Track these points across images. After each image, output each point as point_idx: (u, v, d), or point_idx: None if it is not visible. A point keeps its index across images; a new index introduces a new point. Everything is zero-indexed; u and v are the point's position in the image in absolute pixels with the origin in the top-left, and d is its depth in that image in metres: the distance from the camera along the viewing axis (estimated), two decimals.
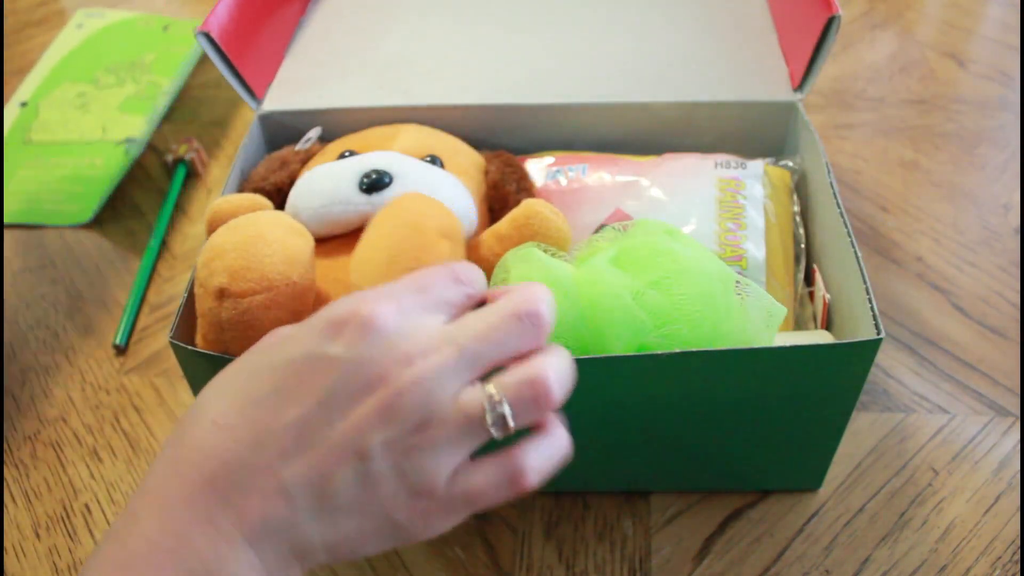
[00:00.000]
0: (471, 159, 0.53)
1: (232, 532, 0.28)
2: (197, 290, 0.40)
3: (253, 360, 0.30)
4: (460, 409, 0.28)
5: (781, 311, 0.40)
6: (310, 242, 0.40)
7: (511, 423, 0.28)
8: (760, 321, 0.39)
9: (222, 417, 0.29)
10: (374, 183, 0.44)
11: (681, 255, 0.39)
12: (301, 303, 0.39)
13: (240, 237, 0.38)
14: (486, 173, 0.52)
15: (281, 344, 0.30)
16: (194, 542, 0.27)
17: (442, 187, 0.46)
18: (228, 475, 0.28)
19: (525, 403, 0.29)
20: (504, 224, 0.44)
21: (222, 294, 0.38)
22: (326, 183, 0.45)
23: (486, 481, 0.29)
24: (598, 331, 0.38)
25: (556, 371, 0.29)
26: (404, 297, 0.29)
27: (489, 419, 0.28)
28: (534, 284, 0.31)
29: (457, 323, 0.30)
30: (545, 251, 0.41)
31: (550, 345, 0.31)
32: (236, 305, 0.38)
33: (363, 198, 0.44)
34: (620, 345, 0.38)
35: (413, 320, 0.29)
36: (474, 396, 0.28)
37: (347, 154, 0.50)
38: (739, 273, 0.48)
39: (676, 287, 0.38)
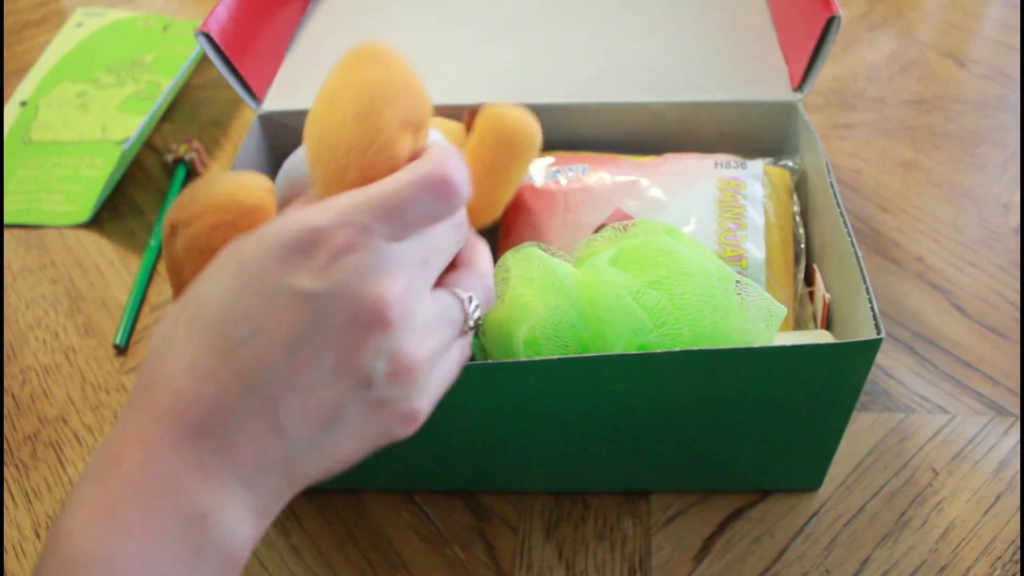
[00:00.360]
0: (450, 125, 0.54)
1: (225, 474, 0.27)
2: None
3: (216, 290, 0.29)
4: (442, 316, 0.31)
5: (781, 311, 0.40)
6: (266, 180, 0.39)
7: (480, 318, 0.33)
8: (760, 321, 0.39)
9: (200, 360, 0.28)
10: None
11: (681, 254, 0.39)
12: (252, 223, 0.37)
13: (191, 185, 0.39)
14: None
15: (241, 270, 0.28)
16: (184, 485, 0.27)
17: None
18: (217, 420, 0.27)
19: (487, 298, 0.34)
20: (472, 143, 0.44)
21: (173, 230, 0.37)
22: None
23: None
24: (598, 331, 0.38)
25: (484, 257, 0.35)
26: (365, 215, 0.29)
27: (471, 322, 0.33)
28: (441, 164, 0.31)
29: (421, 242, 0.30)
30: (545, 251, 0.41)
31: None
32: (185, 234, 0.37)
33: None
34: (620, 345, 0.38)
35: (375, 241, 0.29)
36: (451, 303, 0.32)
37: None
38: (739, 273, 0.48)
39: (676, 287, 0.38)
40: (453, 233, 0.32)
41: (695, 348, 0.37)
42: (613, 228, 0.43)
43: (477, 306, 0.33)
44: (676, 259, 0.39)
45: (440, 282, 0.33)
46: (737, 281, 0.40)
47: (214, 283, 0.29)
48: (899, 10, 0.88)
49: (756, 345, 0.38)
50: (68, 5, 0.99)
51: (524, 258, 0.41)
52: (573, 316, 0.38)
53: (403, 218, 0.29)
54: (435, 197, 0.30)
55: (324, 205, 0.29)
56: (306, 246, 0.28)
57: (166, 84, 0.79)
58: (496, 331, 0.40)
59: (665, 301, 0.38)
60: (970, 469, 0.49)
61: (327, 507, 0.49)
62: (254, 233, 0.29)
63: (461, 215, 0.33)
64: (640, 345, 0.38)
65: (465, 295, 0.32)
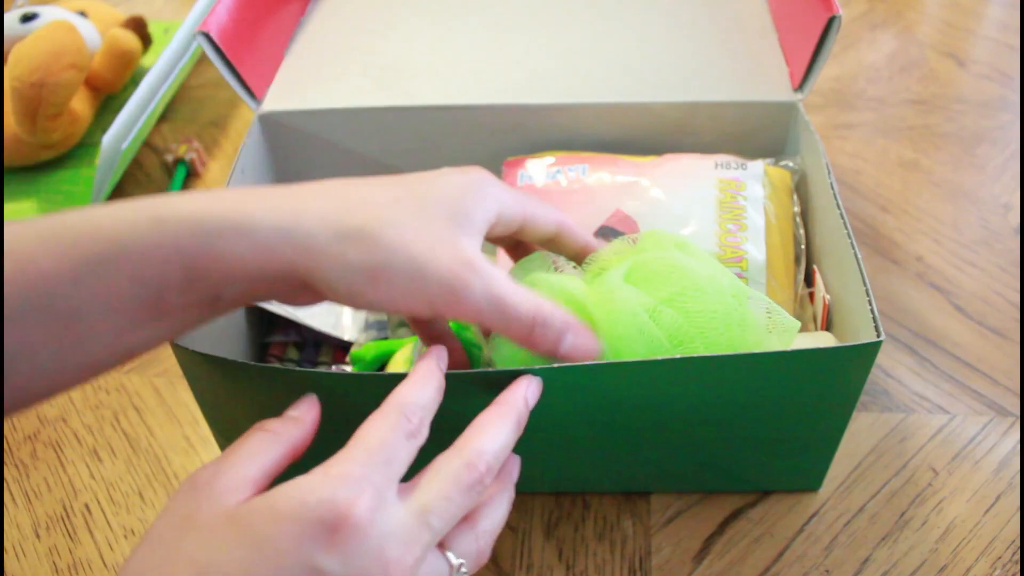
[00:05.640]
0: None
1: None
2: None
3: (225, 561, 0.27)
4: None
5: (794, 325, 0.40)
6: None
7: None
8: (774, 336, 0.39)
9: None
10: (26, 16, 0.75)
11: (695, 271, 0.39)
12: None
13: None
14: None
15: (257, 543, 0.27)
16: None
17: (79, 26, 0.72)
18: None
19: (479, 561, 0.33)
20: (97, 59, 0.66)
21: None
22: None
23: None
24: (614, 349, 0.37)
25: (497, 527, 0.34)
26: (375, 477, 0.29)
27: None
28: (489, 433, 0.33)
29: (423, 499, 0.30)
30: (554, 262, 0.41)
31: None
32: None
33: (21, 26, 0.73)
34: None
35: (389, 511, 0.29)
36: (440, 568, 0.31)
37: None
38: (739, 274, 0.48)
39: (691, 303, 0.38)
40: (464, 497, 0.31)
41: (697, 355, 0.37)
42: (622, 241, 0.42)
43: (465, 573, 0.32)
44: (690, 275, 0.38)
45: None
46: (750, 296, 0.40)
47: (222, 553, 0.27)
48: (899, 10, 0.88)
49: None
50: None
51: (533, 282, 0.40)
52: None
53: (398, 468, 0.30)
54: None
55: (335, 472, 0.29)
56: (329, 524, 0.27)
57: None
58: (509, 350, 0.39)
59: (680, 319, 0.38)
60: (970, 469, 0.49)
61: None
62: (264, 501, 0.28)
63: (479, 478, 0.32)
64: None
65: (456, 562, 0.32)
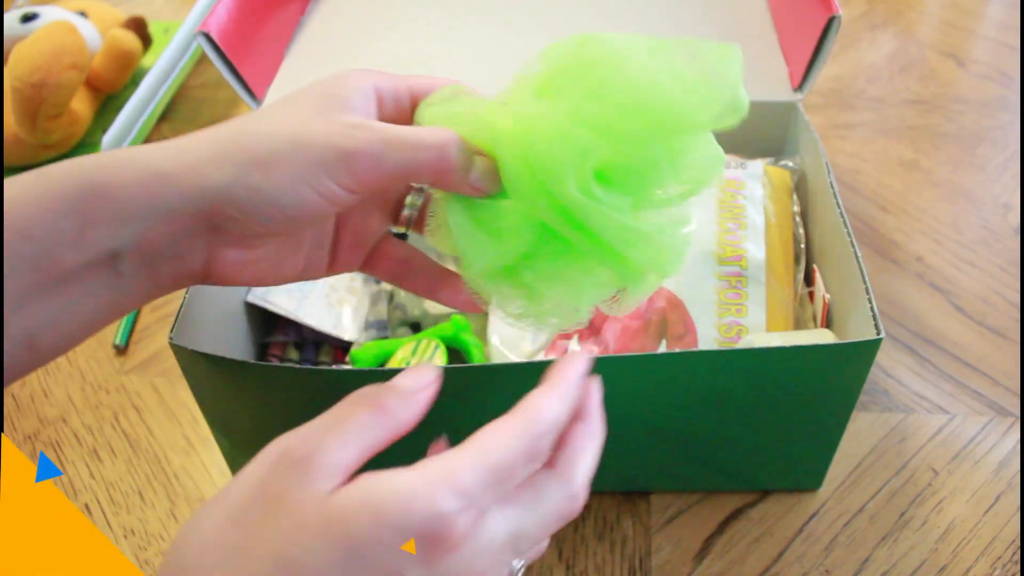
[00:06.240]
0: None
1: None
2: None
3: (319, 564, 0.25)
4: None
5: (735, 54, 0.33)
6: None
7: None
8: (720, 86, 0.33)
9: None
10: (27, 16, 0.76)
11: (610, 49, 0.32)
12: None
13: None
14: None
15: (352, 549, 0.25)
16: None
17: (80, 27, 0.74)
18: None
19: (534, 557, 0.31)
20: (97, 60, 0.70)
21: None
22: None
23: None
24: (544, 170, 0.31)
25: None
26: (485, 497, 0.27)
27: None
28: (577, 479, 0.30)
29: (523, 524, 0.28)
30: (468, 95, 0.35)
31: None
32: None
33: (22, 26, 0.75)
34: (572, 176, 0.31)
35: (487, 526, 0.27)
36: (503, 573, 0.29)
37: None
38: (739, 272, 0.48)
39: (614, 86, 0.32)
40: (559, 527, 0.30)
41: (696, 350, 0.37)
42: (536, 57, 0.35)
43: (521, 571, 0.31)
44: (607, 57, 0.32)
45: None
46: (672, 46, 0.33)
47: (310, 554, 0.25)
48: (899, 10, 0.88)
49: (725, 121, 0.34)
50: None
51: (446, 99, 0.35)
52: (515, 165, 0.32)
53: (510, 484, 0.28)
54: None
55: (447, 482, 0.26)
56: (429, 536, 0.26)
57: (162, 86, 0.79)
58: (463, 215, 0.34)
59: (608, 109, 0.31)
60: (970, 469, 0.49)
61: None
62: (365, 498, 0.26)
63: (577, 512, 0.30)
64: (596, 172, 0.32)
65: (518, 565, 0.31)
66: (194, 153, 0.30)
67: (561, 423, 0.29)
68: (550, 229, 0.32)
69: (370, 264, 0.38)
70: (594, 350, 0.48)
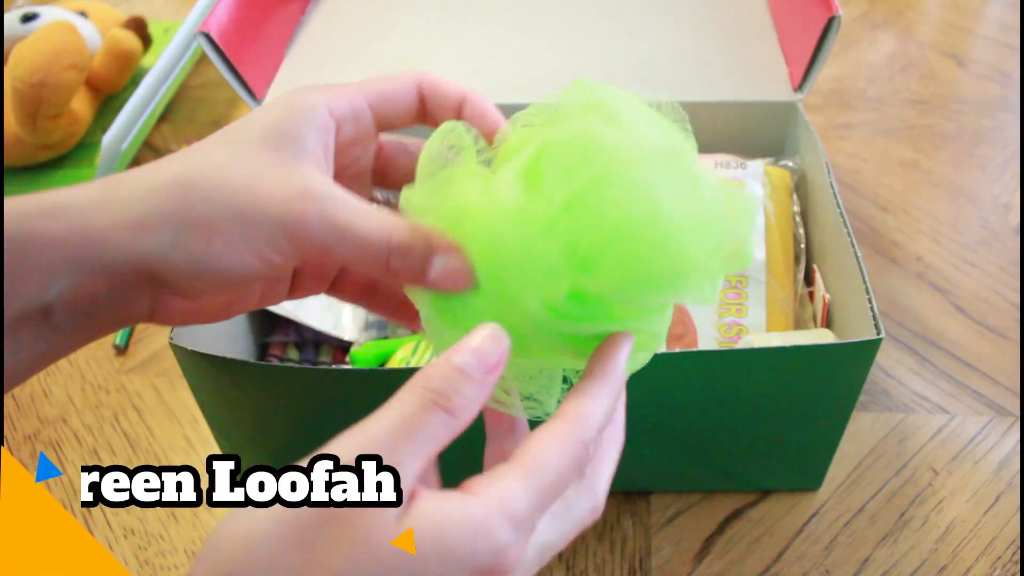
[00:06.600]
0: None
1: None
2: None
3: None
4: None
5: (754, 203, 0.30)
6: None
7: None
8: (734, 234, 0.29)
9: None
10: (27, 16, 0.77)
11: (619, 146, 0.28)
12: None
13: None
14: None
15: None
16: None
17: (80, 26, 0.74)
18: None
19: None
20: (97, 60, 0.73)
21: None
22: None
23: None
24: (499, 280, 0.28)
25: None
26: (536, 519, 0.27)
27: None
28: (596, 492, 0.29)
29: (551, 537, 0.28)
30: (464, 134, 0.31)
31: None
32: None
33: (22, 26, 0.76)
34: (536, 297, 0.28)
35: (528, 550, 0.27)
36: None
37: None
38: (739, 273, 0.48)
39: (606, 195, 0.27)
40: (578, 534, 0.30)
41: (695, 350, 0.37)
42: (540, 108, 0.31)
43: None
44: (610, 154, 0.28)
45: None
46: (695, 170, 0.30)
47: None
48: (899, 10, 0.88)
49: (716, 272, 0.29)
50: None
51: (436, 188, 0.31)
52: (480, 264, 0.29)
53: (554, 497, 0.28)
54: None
55: (505, 511, 0.25)
56: (486, 568, 0.25)
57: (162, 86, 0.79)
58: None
59: (589, 222, 0.27)
60: (970, 469, 0.49)
61: None
62: (434, 529, 0.25)
63: (595, 521, 0.30)
64: (570, 293, 0.27)
65: None
66: (131, 210, 0.28)
67: (607, 422, 0.28)
68: (525, 330, 0.29)
69: (335, 288, 0.36)
70: None
